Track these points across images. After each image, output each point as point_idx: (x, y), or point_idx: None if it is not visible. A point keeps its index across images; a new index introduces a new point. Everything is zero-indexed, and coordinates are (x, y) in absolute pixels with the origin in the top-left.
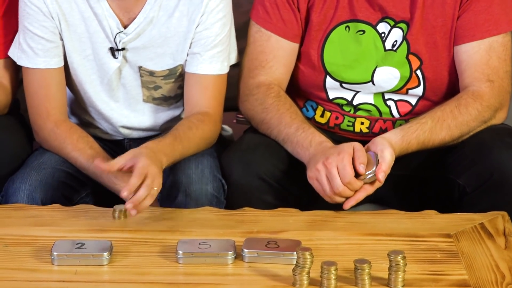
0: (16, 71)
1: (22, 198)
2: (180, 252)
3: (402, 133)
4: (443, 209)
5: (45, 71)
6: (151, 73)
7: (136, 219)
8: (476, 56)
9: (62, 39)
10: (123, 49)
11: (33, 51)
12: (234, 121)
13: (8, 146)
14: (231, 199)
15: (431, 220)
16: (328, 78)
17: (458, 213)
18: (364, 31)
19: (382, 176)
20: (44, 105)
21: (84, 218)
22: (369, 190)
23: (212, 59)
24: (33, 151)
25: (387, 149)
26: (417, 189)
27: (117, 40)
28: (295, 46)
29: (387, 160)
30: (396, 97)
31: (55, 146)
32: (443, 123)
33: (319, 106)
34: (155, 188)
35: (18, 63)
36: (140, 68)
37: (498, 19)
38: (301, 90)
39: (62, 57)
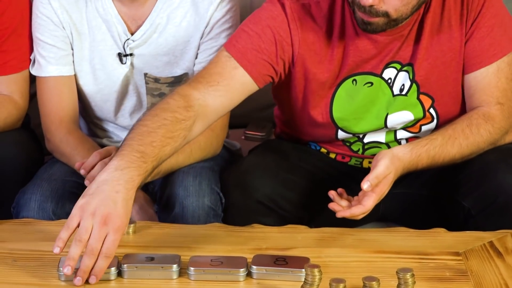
0: (28, 86)
1: (33, 209)
2: (192, 268)
3: (411, 146)
4: (448, 229)
5: (58, 79)
6: (156, 80)
7: (145, 235)
8: (485, 80)
9: (72, 49)
10: (131, 54)
11: (45, 60)
12: (243, 137)
13: (20, 160)
14: (230, 221)
15: (440, 238)
16: (340, 131)
17: (467, 231)
18: (372, 83)
19: (366, 185)
20: (57, 112)
21: None
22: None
23: None
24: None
25: (383, 159)
26: (423, 208)
27: (125, 45)
28: (255, 87)
29: (378, 170)
30: (407, 135)
31: (66, 153)
32: (454, 141)
33: (323, 148)
34: None
35: (32, 72)
36: (145, 75)
37: (501, 41)
38: (311, 135)
39: (73, 66)
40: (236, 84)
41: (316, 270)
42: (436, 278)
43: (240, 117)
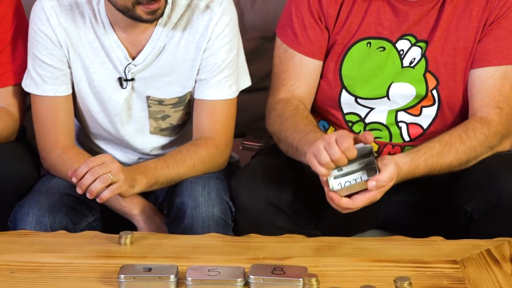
0: (23, 98)
1: (30, 223)
2: (189, 279)
3: (411, 156)
4: (450, 235)
5: (53, 98)
6: (160, 102)
7: (142, 245)
8: (489, 81)
9: (70, 67)
10: (132, 79)
11: (41, 78)
12: (241, 147)
13: (16, 172)
14: (240, 224)
15: (437, 247)
16: (343, 92)
17: (465, 239)
18: (384, 48)
19: (371, 185)
20: (52, 132)
21: (90, 245)
22: (366, 197)
23: (218, 84)
24: (40, 177)
25: (390, 164)
26: (424, 215)
27: (126, 70)
28: (320, 63)
29: (385, 173)
30: (408, 119)
31: (62, 171)
32: (451, 147)
33: (331, 127)
34: (110, 175)
35: (26, 89)
36: (148, 98)
37: None
38: (317, 106)
39: (70, 85)
40: (303, 70)
41: (313, 279)
42: (434, 286)
43: (237, 126)
